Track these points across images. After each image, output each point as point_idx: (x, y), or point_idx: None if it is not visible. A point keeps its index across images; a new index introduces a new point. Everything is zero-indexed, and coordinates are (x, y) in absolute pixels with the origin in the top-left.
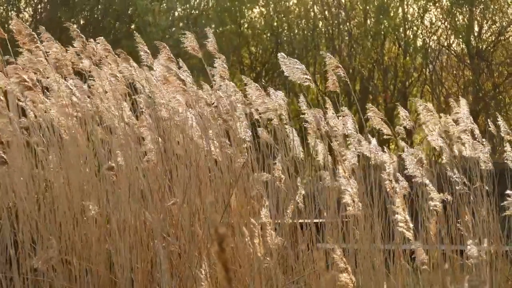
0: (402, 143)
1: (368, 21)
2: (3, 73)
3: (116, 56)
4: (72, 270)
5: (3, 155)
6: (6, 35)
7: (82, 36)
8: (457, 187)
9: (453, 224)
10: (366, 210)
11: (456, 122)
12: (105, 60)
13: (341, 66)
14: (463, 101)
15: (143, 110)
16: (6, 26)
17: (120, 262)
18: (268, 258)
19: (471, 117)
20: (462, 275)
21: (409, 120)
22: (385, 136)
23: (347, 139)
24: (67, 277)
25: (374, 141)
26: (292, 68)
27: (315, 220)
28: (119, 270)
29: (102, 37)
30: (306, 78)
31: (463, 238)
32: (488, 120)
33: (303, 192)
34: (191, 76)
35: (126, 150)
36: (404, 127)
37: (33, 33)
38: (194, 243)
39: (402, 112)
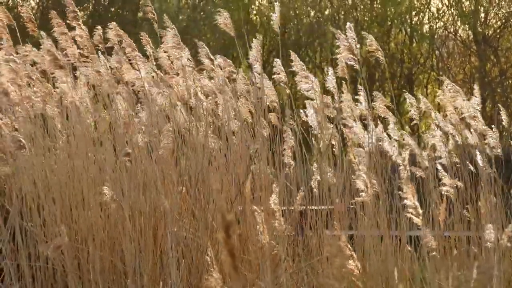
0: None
1: (375, 7)
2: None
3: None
4: (80, 257)
5: (22, 139)
6: (14, 22)
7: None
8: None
9: (458, 211)
10: (374, 197)
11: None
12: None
13: (380, 49)
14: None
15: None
16: (12, 14)
17: (129, 249)
18: (277, 245)
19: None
20: (469, 261)
21: (416, 108)
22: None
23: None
24: (76, 265)
25: (380, 127)
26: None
27: (324, 207)
28: (128, 257)
29: (114, 23)
30: (352, 58)
31: (469, 225)
32: (500, 106)
33: (318, 178)
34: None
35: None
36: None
37: (77, 10)
38: (204, 230)
39: (410, 99)
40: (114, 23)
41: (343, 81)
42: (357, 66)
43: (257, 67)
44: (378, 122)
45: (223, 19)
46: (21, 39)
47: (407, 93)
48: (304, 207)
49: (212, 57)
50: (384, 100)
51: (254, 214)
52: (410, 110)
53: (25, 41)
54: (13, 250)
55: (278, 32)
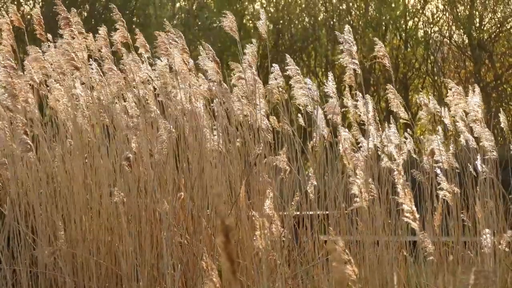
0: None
1: (370, 12)
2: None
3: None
4: (75, 262)
5: (29, 142)
6: (24, 26)
7: (123, 20)
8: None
9: (452, 216)
10: (370, 201)
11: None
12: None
13: (387, 55)
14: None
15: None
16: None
17: (125, 254)
18: (272, 251)
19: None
20: (464, 265)
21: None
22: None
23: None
24: (70, 270)
25: (393, 129)
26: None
27: (319, 212)
28: (124, 262)
29: (121, 23)
30: (353, 62)
31: (465, 230)
32: (501, 111)
33: (315, 183)
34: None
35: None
36: (411, 117)
37: (69, 16)
38: (199, 235)
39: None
40: (121, 23)
41: (342, 86)
42: (359, 71)
43: (252, 71)
44: (379, 125)
45: (229, 22)
46: (18, 43)
47: (421, 94)
48: (299, 213)
49: (217, 59)
50: (397, 95)
51: (249, 219)
52: (421, 111)
53: (29, 44)
54: (8, 256)
55: (266, 38)
